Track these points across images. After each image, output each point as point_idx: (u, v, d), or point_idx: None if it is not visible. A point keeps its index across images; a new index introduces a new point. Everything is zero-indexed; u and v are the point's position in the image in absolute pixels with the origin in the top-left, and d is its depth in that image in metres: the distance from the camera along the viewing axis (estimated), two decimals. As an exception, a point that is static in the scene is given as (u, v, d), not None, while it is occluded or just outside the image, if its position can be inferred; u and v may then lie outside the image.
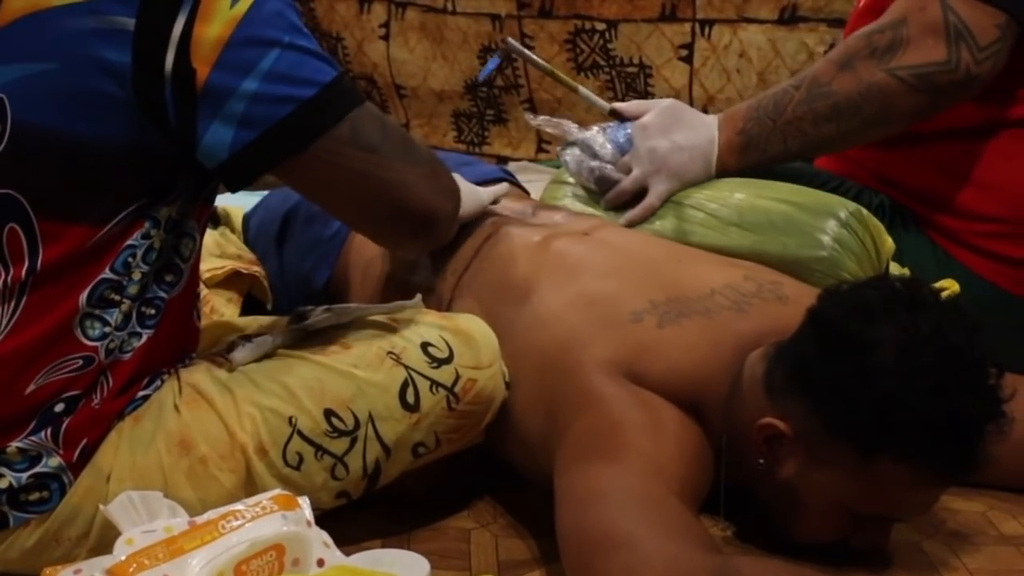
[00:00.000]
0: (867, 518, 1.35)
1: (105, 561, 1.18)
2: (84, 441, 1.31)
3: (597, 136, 1.77)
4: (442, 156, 1.92)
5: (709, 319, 1.47)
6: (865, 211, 1.68)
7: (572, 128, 1.81)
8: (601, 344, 1.45)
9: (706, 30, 3.20)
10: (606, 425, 1.35)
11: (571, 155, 1.84)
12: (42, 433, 1.28)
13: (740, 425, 1.40)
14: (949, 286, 1.64)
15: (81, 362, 1.30)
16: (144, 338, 1.35)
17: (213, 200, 1.43)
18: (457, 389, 1.42)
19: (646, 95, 3.31)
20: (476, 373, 1.43)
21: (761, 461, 1.37)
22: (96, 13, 1.24)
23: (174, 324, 1.39)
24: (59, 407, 1.29)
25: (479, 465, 1.61)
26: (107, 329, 1.31)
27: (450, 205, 1.46)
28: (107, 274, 1.31)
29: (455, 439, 1.45)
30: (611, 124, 1.81)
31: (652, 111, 1.77)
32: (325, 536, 1.26)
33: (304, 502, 1.27)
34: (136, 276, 1.32)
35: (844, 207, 1.68)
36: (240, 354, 1.41)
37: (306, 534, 1.23)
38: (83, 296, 1.29)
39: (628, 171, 1.79)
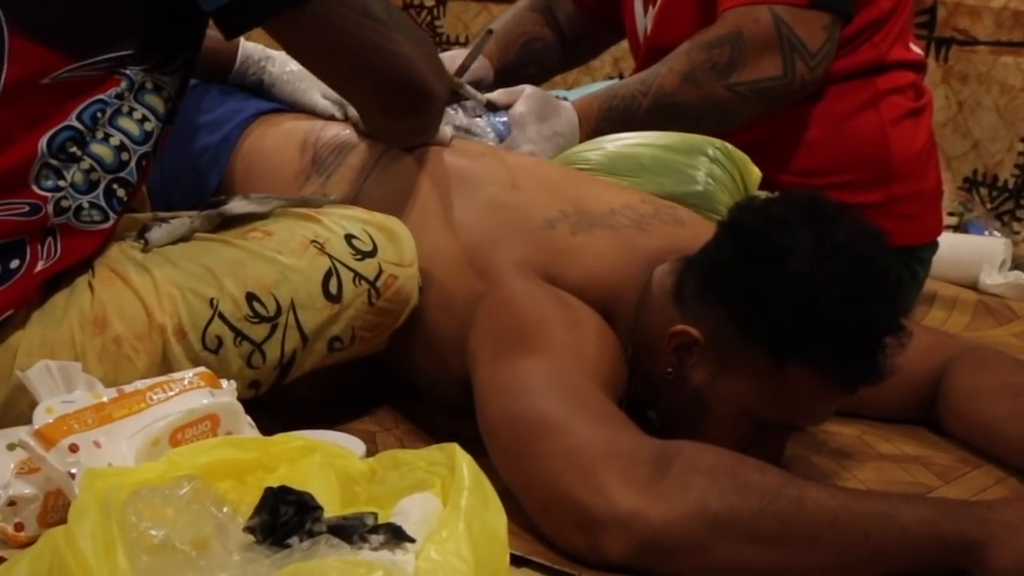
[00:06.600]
0: (771, 425, 1.39)
1: (24, 428, 1.13)
2: (10, 312, 1.24)
3: (479, 122, 1.79)
4: None
5: (616, 232, 1.50)
6: (730, 145, 1.74)
7: (457, 116, 1.83)
8: (517, 246, 1.46)
9: (535, 10, 3.23)
10: (528, 320, 1.36)
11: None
12: None
13: (647, 336, 1.42)
14: None
15: (27, 208, 1.25)
16: (111, 222, 1.31)
17: (184, 90, 1.39)
18: (379, 284, 1.40)
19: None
20: (398, 270, 1.42)
21: (670, 370, 1.40)
22: None
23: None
24: None
25: (373, 376, 1.59)
26: (61, 183, 1.26)
27: (445, 89, 1.50)
28: (72, 122, 1.26)
29: (368, 338, 1.43)
30: (487, 113, 1.83)
31: (520, 99, 1.81)
32: (249, 419, 1.24)
33: (227, 383, 1.24)
34: (100, 135, 1.28)
35: (710, 144, 1.73)
36: (156, 234, 1.36)
37: (239, 408, 1.21)
38: (43, 141, 1.24)
39: None
